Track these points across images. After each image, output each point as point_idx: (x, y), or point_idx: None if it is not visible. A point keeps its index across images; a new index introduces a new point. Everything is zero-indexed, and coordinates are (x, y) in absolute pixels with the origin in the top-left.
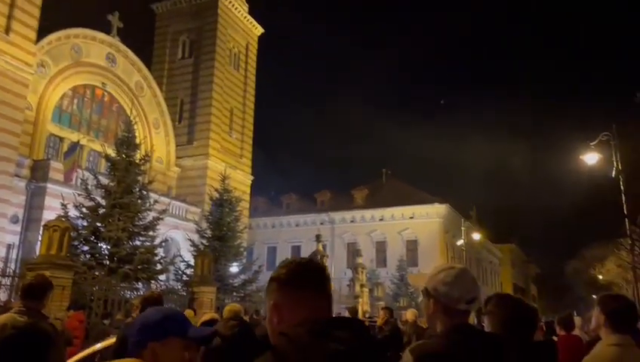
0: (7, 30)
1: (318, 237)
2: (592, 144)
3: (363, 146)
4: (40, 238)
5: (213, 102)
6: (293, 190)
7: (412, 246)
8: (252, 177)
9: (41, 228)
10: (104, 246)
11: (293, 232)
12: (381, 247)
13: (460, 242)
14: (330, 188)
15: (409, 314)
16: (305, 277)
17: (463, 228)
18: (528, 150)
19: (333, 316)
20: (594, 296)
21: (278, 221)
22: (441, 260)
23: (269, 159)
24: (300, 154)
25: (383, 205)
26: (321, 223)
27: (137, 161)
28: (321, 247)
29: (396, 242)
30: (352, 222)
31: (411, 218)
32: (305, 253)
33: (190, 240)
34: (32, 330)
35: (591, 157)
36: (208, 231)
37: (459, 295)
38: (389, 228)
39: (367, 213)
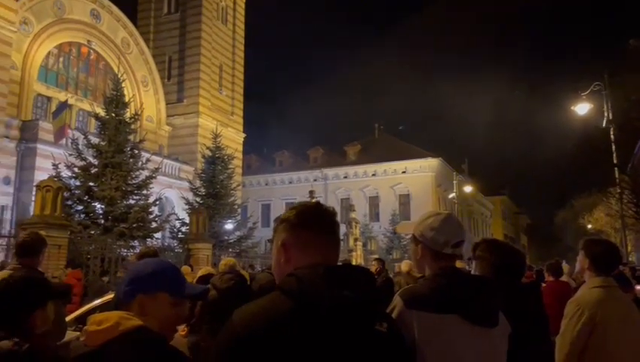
0: None
1: (311, 194)
2: (583, 94)
3: (355, 102)
4: (33, 199)
5: (201, 59)
6: (285, 147)
7: (405, 200)
8: (244, 135)
9: (34, 188)
10: (98, 206)
11: (287, 189)
12: (374, 202)
13: (452, 195)
14: (322, 144)
15: (403, 265)
16: (315, 219)
17: (454, 182)
18: (521, 102)
19: (342, 263)
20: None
21: (272, 178)
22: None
23: (260, 116)
24: (292, 111)
25: (376, 160)
26: (315, 180)
27: (127, 120)
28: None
29: (389, 197)
30: (345, 178)
31: (404, 172)
32: None
33: (184, 198)
34: (27, 280)
35: (582, 108)
36: (202, 189)
37: (445, 239)
38: (382, 183)
39: (360, 169)
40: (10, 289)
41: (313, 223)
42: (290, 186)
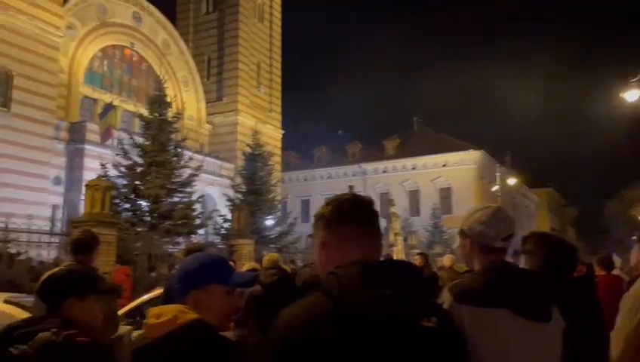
0: None
1: (350, 188)
2: (632, 81)
3: (393, 95)
4: (82, 198)
5: (239, 57)
6: (324, 143)
7: (446, 193)
8: (282, 131)
9: (83, 187)
10: (144, 204)
11: (326, 185)
12: (414, 196)
13: (495, 188)
14: (361, 139)
15: (446, 260)
16: (351, 213)
17: (497, 174)
18: (566, 90)
19: (383, 259)
20: (634, 238)
21: (311, 174)
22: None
23: (299, 113)
24: (330, 107)
25: (415, 154)
26: (353, 175)
27: (170, 119)
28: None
29: (429, 190)
30: (384, 172)
31: (444, 166)
32: None
33: (226, 195)
34: (67, 272)
35: (632, 95)
36: (243, 186)
37: (495, 233)
38: (422, 176)
39: (399, 163)
40: (50, 280)
41: (349, 217)
42: (329, 181)
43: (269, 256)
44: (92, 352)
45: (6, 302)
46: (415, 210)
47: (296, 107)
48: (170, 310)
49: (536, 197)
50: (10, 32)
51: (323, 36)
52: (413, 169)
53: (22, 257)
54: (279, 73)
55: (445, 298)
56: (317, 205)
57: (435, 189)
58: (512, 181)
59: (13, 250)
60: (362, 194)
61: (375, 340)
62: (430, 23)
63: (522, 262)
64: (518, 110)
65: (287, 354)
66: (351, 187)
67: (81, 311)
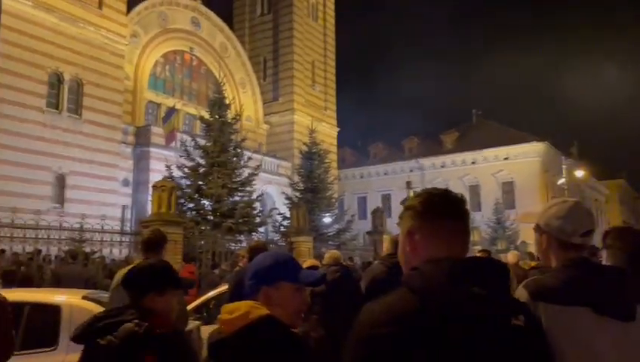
0: (100, 5)
1: (408, 185)
2: None
3: (451, 88)
4: (150, 198)
5: (294, 57)
6: (379, 139)
7: (508, 188)
8: (338, 129)
9: (150, 188)
10: (207, 203)
11: (383, 181)
12: (475, 191)
13: (561, 181)
14: (417, 134)
15: (510, 257)
16: (442, 206)
17: (563, 166)
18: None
19: (471, 256)
20: None
21: (367, 171)
22: (540, 201)
23: (353, 110)
24: (385, 102)
25: (475, 148)
26: (411, 170)
27: (229, 121)
28: (412, 194)
29: (491, 185)
30: (442, 167)
31: (506, 159)
32: (395, 202)
33: (284, 193)
34: (148, 266)
35: None
36: (300, 184)
37: (573, 228)
38: (482, 171)
39: (458, 157)
40: (132, 273)
41: (439, 210)
42: (386, 178)
43: (331, 253)
44: (172, 343)
45: (84, 298)
46: (476, 205)
47: (351, 104)
48: (242, 306)
49: (606, 190)
50: (79, 43)
51: (377, 31)
52: (473, 163)
53: (96, 256)
54: (333, 71)
55: (521, 295)
56: (373, 202)
57: (496, 184)
58: (579, 173)
59: (87, 249)
60: (419, 189)
61: (465, 339)
62: (487, 12)
63: (604, 259)
64: (584, 98)
65: (372, 351)
66: (408, 183)
67: (160, 304)
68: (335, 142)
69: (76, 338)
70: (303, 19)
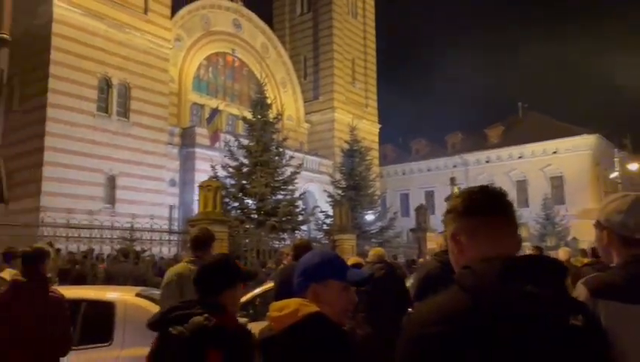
0: (146, 10)
1: (452, 181)
2: None
3: (493, 81)
4: (196, 198)
5: (334, 55)
6: (421, 135)
7: (557, 183)
8: (379, 126)
9: (196, 188)
10: (251, 202)
11: (425, 178)
12: (522, 187)
13: (614, 175)
14: (461, 129)
15: (562, 253)
16: (483, 203)
17: (616, 159)
18: None
19: (525, 254)
20: None
21: (409, 167)
22: (592, 196)
23: (394, 106)
24: (427, 98)
25: (521, 142)
26: (454, 166)
27: (271, 120)
28: (456, 190)
29: (538, 180)
30: (487, 162)
31: (554, 153)
32: (439, 198)
33: (326, 191)
34: (223, 262)
35: None
36: (342, 182)
37: (635, 223)
38: (530, 165)
39: (504, 152)
40: (208, 269)
41: (480, 208)
42: (429, 174)
43: (375, 250)
44: (238, 338)
45: (137, 295)
46: (523, 201)
47: (392, 100)
48: (291, 303)
49: None
50: (126, 48)
51: (418, 25)
52: (519, 158)
53: (146, 254)
54: (374, 67)
55: (580, 292)
56: (416, 199)
57: (545, 178)
58: (633, 166)
59: (138, 248)
60: (464, 185)
61: (516, 338)
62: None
63: None
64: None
65: (423, 350)
66: (452, 179)
67: (229, 298)
68: (376, 139)
69: (150, 325)
70: (342, 17)
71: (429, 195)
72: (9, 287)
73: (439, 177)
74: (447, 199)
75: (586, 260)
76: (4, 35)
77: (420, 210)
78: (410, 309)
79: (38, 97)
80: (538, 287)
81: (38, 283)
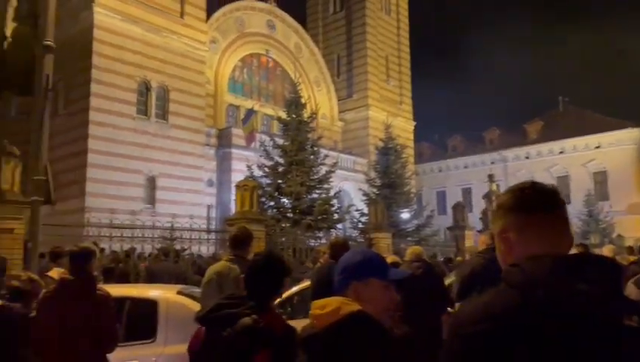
0: (182, 14)
1: (490, 178)
2: None
3: (532, 75)
4: (233, 197)
5: (368, 52)
6: (458, 131)
7: (601, 178)
8: (414, 123)
9: (233, 188)
10: (286, 201)
11: (462, 175)
12: (563, 182)
13: None
14: (498, 125)
15: (606, 251)
16: (532, 199)
17: None
18: None
19: (577, 252)
20: None
21: (445, 165)
22: (638, 191)
23: (430, 103)
24: (462, 94)
25: (562, 136)
26: (492, 163)
27: (306, 120)
28: (495, 187)
29: (581, 176)
30: (526, 158)
31: (597, 147)
32: (476, 196)
33: (361, 189)
34: (276, 260)
35: None
36: (377, 180)
37: None
38: (571, 161)
39: (544, 147)
40: (257, 270)
41: (530, 204)
42: (466, 171)
43: (413, 248)
44: (285, 340)
45: (179, 293)
46: (565, 197)
47: (427, 97)
48: (333, 301)
49: None
50: (164, 51)
51: (453, 20)
52: (560, 153)
53: (186, 253)
54: (408, 64)
55: (630, 291)
56: (453, 196)
57: (587, 174)
58: None
59: (178, 247)
60: (503, 182)
61: (565, 337)
62: None
63: None
64: None
65: (470, 348)
66: (490, 176)
67: (276, 298)
68: (411, 136)
69: (199, 320)
70: (375, 14)
71: (467, 193)
72: (57, 285)
73: (477, 174)
74: (485, 196)
75: (632, 258)
76: (49, 42)
77: (457, 207)
78: (449, 308)
79: (81, 101)
80: (590, 286)
81: (85, 282)
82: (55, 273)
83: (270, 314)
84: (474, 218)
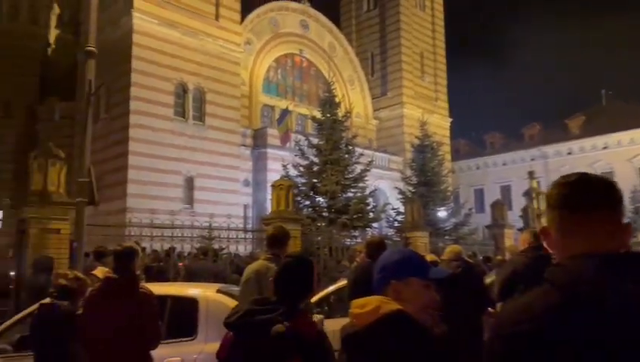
0: (217, 16)
1: (530, 174)
2: None
3: (573, 69)
4: (269, 197)
5: (402, 49)
6: (495, 128)
7: None
8: (450, 120)
9: (268, 188)
10: (322, 200)
11: (501, 172)
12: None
13: None
14: (538, 120)
15: None
16: (578, 196)
17: None
18: None
19: (626, 251)
20: None
21: (483, 162)
22: None
23: (466, 99)
24: (500, 90)
25: (606, 131)
26: (532, 159)
27: (340, 119)
28: (535, 184)
29: (626, 171)
30: (568, 154)
31: None
32: (516, 193)
33: (397, 188)
34: (308, 262)
35: None
36: (413, 178)
37: None
38: (616, 156)
39: (587, 143)
40: (288, 274)
41: (574, 201)
42: (504, 168)
43: (451, 247)
44: (317, 346)
45: (218, 291)
46: None
47: (463, 93)
48: (373, 300)
49: None
50: (200, 54)
51: (490, 12)
52: (604, 148)
53: (224, 252)
54: (443, 60)
55: None
56: (491, 194)
57: (633, 169)
58: None
59: (216, 246)
60: (544, 179)
61: (613, 339)
62: None
63: None
64: None
65: (514, 349)
66: (531, 173)
67: (307, 302)
68: (448, 133)
69: (229, 326)
70: (410, 11)
71: (506, 190)
72: (103, 284)
73: (516, 171)
74: (526, 194)
75: None
76: (91, 48)
77: (496, 205)
78: (489, 308)
79: (122, 105)
80: (638, 286)
81: (129, 280)
82: (100, 272)
83: (301, 319)
84: (513, 216)
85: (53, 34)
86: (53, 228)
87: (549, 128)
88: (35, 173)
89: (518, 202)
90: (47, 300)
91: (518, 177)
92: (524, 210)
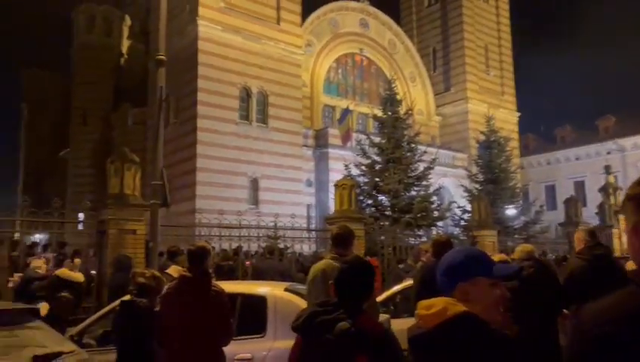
0: (278, 20)
1: (607, 169)
2: None
3: None
4: (331, 196)
5: (465, 43)
6: (566, 121)
7: None
8: (518, 114)
9: (330, 187)
10: (384, 199)
11: (573, 167)
12: None
13: None
14: (612, 112)
15: None
16: None
17: None
18: None
19: None
20: None
21: (554, 157)
22: None
23: (535, 92)
24: (570, 81)
25: None
26: (608, 153)
27: (402, 116)
28: (612, 179)
29: None
30: None
31: None
32: (590, 189)
33: (462, 185)
34: (366, 263)
35: None
36: (479, 175)
37: None
38: None
39: None
40: (349, 274)
41: None
42: (577, 163)
43: (523, 246)
44: (383, 343)
45: (286, 290)
46: None
47: (531, 86)
48: (439, 302)
49: None
50: (262, 58)
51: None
52: None
53: (289, 251)
54: (509, 52)
55: None
56: (563, 190)
57: None
58: None
59: (281, 245)
60: (621, 174)
61: None
62: None
63: None
64: None
65: (598, 351)
66: (607, 167)
67: (368, 301)
68: (515, 128)
69: (296, 329)
70: (472, 3)
71: (579, 186)
72: (178, 282)
73: (590, 166)
74: (602, 189)
75: None
76: (161, 57)
77: (569, 202)
78: (564, 310)
79: (189, 110)
80: None
81: (202, 279)
82: (174, 270)
83: (364, 318)
84: (588, 213)
85: (125, 44)
86: (129, 229)
87: (626, 120)
88: (112, 177)
89: (593, 198)
90: (128, 298)
91: (592, 172)
92: (601, 206)
